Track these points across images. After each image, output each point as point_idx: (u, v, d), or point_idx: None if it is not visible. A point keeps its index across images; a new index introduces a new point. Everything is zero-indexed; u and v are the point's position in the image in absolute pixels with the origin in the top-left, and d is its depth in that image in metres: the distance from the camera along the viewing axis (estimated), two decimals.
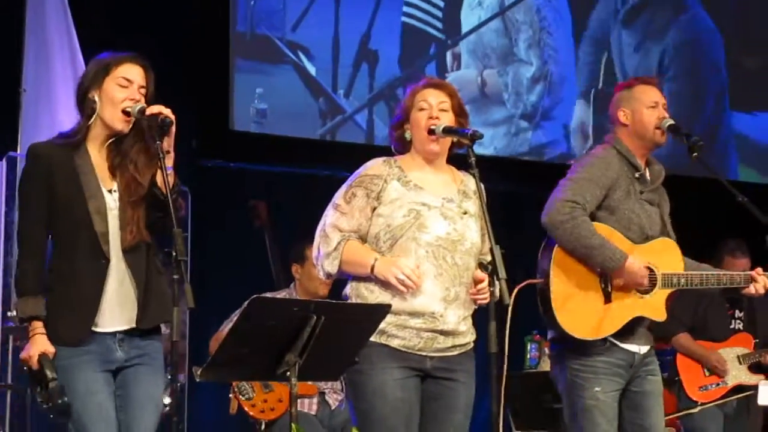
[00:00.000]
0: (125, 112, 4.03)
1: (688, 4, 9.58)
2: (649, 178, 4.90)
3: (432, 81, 4.58)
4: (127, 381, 4.06)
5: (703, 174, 5.19)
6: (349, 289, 4.38)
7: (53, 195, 4.00)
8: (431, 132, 4.37)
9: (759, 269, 4.93)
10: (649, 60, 9.28)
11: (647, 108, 4.90)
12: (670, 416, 6.44)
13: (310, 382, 6.32)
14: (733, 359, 6.83)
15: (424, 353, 4.28)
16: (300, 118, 8.12)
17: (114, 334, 4.03)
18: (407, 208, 4.32)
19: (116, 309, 4.02)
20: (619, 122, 4.93)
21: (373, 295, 4.30)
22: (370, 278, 4.29)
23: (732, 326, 6.97)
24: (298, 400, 6.33)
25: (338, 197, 4.40)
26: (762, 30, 9.80)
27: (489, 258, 4.17)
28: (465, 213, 4.38)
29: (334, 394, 6.52)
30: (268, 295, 6.10)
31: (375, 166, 4.41)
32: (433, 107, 4.40)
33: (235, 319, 3.99)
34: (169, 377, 4.35)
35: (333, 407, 6.52)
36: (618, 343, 4.73)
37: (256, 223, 7.13)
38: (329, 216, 4.38)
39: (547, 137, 8.86)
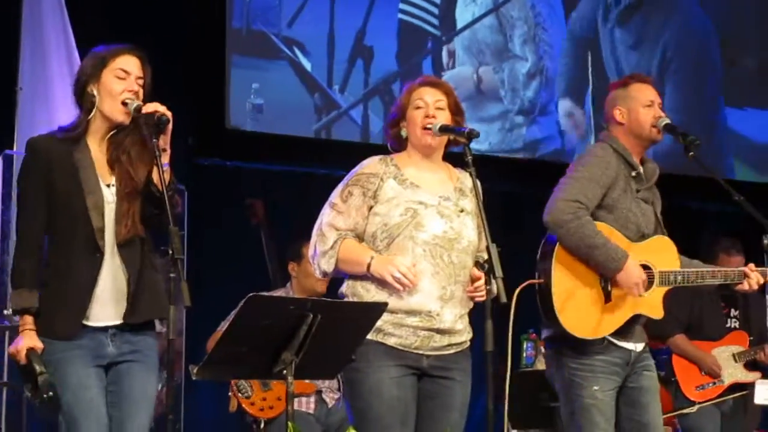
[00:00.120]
0: (125, 104, 4.03)
1: (685, 3, 9.59)
2: (644, 176, 4.90)
3: (428, 79, 4.58)
4: (120, 377, 4.05)
5: (700, 173, 5.18)
6: (345, 288, 4.38)
7: (52, 190, 4.00)
8: (427, 129, 4.38)
9: (752, 265, 4.94)
10: (647, 58, 9.29)
11: (643, 107, 4.90)
12: (667, 415, 6.44)
13: (307, 381, 6.32)
14: (728, 357, 6.83)
15: (420, 352, 4.29)
16: (295, 113, 8.16)
17: (106, 329, 4.03)
18: (404, 206, 4.32)
19: (108, 303, 4.02)
20: (615, 121, 4.93)
21: (369, 293, 4.30)
22: (367, 277, 4.29)
23: (728, 325, 6.97)
24: (296, 399, 6.37)
25: (335, 196, 4.40)
26: (757, 29, 9.81)
27: (485, 256, 4.17)
28: (462, 211, 4.38)
29: (331, 392, 6.52)
30: (265, 293, 6.10)
31: (371, 164, 4.41)
32: (429, 106, 4.41)
33: (233, 317, 3.99)
34: (165, 376, 4.35)
35: (330, 406, 6.52)
36: (615, 341, 4.74)
37: (253, 222, 7.13)
38: (326, 215, 4.38)
39: (541, 133, 8.89)
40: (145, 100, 4.04)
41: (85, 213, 3.99)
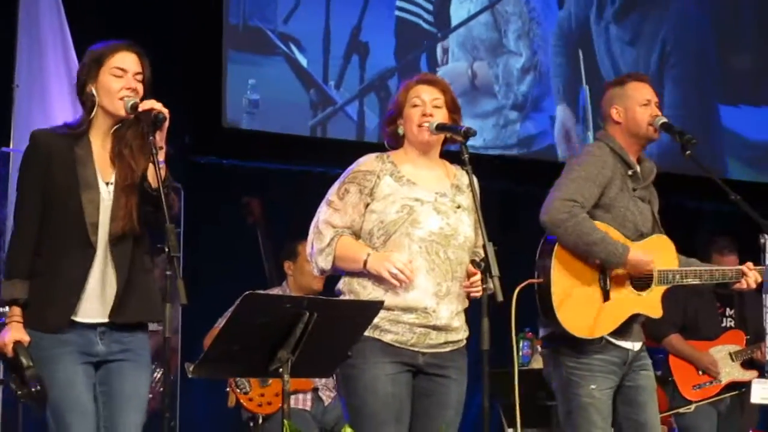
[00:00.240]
0: (123, 101, 4.03)
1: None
2: (640, 175, 4.90)
3: (425, 77, 4.58)
4: (111, 376, 4.05)
5: (696, 172, 5.18)
6: (341, 285, 4.38)
7: (49, 183, 4.01)
8: (423, 127, 4.38)
9: (749, 264, 4.95)
10: (645, 53, 9.31)
11: (640, 106, 4.90)
12: (663, 414, 6.45)
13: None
14: (725, 356, 6.84)
15: (416, 349, 4.28)
16: (291, 108, 8.20)
17: (95, 326, 4.02)
18: (400, 203, 4.32)
19: (97, 300, 4.01)
20: (612, 120, 4.93)
21: (365, 290, 4.30)
22: (363, 274, 4.29)
23: (723, 324, 6.98)
24: (293, 396, 6.38)
25: (331, 193, 4.40)
26: (752, 26, 9.82)
27: (482, 254, 4.17)
28: (458, 207, 4.38)
29: (328, 390, 6.52)
30: (261, 292, 6.10)
31: (368, 161, 4.41)
32: (426, 104, 4.40)
33: (229, 315, 3.98)
34: (161, 373, 4.35)
35: (326, 404, 6.53)
36: (613, 340, 4.74)
37: (250, 220, 7.12)
38: (322, 212, 4.38)
39: (536, 128, 8.93)
40: (146, 95, 4.05)
41: (80, 208, 3.98)
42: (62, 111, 6.55)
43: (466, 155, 4.24)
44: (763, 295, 4.86)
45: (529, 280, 4.72)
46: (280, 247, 6.80)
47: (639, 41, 9.34)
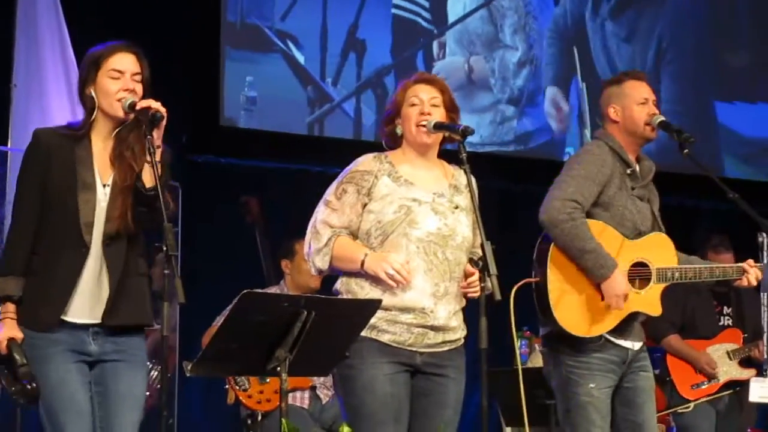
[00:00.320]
0: (120, 102, 4.03)
1: None
2: (639, 174, 4.90)
3: (423, 76, 4.58)
4: (106, 377, 4.04)
5: (693, 170, 5.18)
6: (339, 285, 4.38)
7: (48, 181, 4.01)
8: (421, 126, 4.37)
9: (750, 261, 4.94)
10: (641, 50, 9.33)
11: (637, 104, 4.90)
12: (661, 413, 6.45)
13: None
14: (723, 355, 6.84)
15: (414, 348, 4.28)
16: (289, 105, 8.24)
17: (87, 327, 4.02)
18: (398, 203, 4.31)
19: (88, 301, 4.00)
20: (610, 119, 4.93)
21: (363, 290, 4.29)
22: (361, 274, 4.29)
23: (721, 323, 6.98)
24: (291, 393, 6.38)
25: (329, 193, 4.40)
26: (747, 22, 9.83)
27: (480, 253, 4.17)
28: (456, 207, 4.38)
29: (325, 389, 6.52)
30: (259, 290, 6.10)
31: (365, 161, 4.41)
32: (424, 103, 4.40)
33: (227, 314, 3.98)
34: (158, 371, 4.34)
35: (324, 402, 6.53)
36: (613, 339, 4.74)
37: (248, 219, 7.12)
38: (320, 212, 4.38)
39: (532, 125, 8.95)
40: (146, 94, 4.05)
41: (76, 207, 3.99)
42: (60, 110, 6.55)
43: (464, 154, 4.24)
44: (762, 294, 4.86)
45: (526, 280, 4.72)
46: (278, 246, 6.80)
47: (635, 38, 9.36)
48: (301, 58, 8.26)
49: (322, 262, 4.33)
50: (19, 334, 3.97)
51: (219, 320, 6.14)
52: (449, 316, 4.31)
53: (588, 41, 9.23)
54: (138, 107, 3.97)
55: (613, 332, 4.73)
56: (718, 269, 4.95)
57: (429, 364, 4.31)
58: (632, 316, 4.77)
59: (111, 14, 7.18)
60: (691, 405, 6.78)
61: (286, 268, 6.69)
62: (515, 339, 4.66)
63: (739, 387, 6.81)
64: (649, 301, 4.79)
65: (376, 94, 8.38)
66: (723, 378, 6.82)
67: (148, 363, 6.67)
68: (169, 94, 4.16)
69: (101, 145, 4.08)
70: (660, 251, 4.83)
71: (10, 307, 3.98)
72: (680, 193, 8.20)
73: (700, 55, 9.58)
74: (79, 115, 4.19)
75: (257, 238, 7.03)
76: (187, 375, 4.04)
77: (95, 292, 4.01)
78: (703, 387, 6.81)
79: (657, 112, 4.90)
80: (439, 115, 4.40)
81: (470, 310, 4.35)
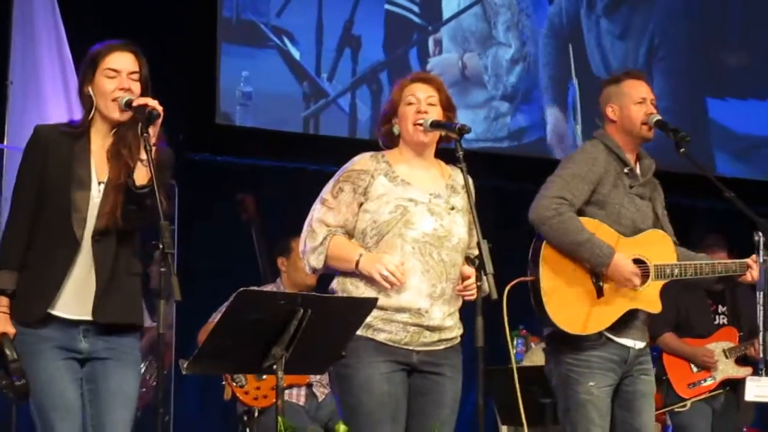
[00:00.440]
0: (116, 101, 4.04)
1: None
2: (639, 172, 4.90)
3: (420, 75, 4.58)
4: (96, 375, 4.04)
5: (689, 170, 5.18)
6: (335, 284, 4.38)
7: (44, 176, 4.02)
8: (418, 125, 4.37)
9: (754, 256, 4.91)
10: (634, 47, 9.35)
11: (635, 104, 4.90)
12: (657, 412, 6.45)
13: None
14: (719, 354, 6.85)
15: (410, 347, 4.28)
16: (284, 101, 8.29)
17: (77, 324, 4.02)
18: (394, 203, 4.31)
19: (77, 296, 4.00)
20: (608, 118, 4.93)
21: (358, 290, 4.29)
22: (356, 274, 4.29)
23: (716, 322, 6.98)
24: (288, 390, 6.38)
25: (325, 192, 4.39)
26: (739, 20, 9.84)
27: (476, 252, 4.17)
28: (452, 208, 4.38)
29: (321, 387, 6.52)
30: (255, 288, 6.10)
31: (362, 161, 4.40)
32: (421, 101, 4.40)
33: (223, 311, 3.98)
34: (147, 365, 4.33)
35: (320, 399, 6.53)
36: (613, 337, 4.73)
37: (244, 217, 7.13)
38: (316, 210, 4.38)
39: (526, 121, 8.98)
40: (144, 93, 4.05)
41: (69, 203, 3.99)
42: (56, 108, 6.55)
43: (461, 152, 4.24)
44: (758, 292, 4.85)
45: (520, 279, 4.72)
46: (274, 244, 6.79)
47: (628, 35, 9.38)
48: (296, 53, 8.31)
49: (316, 261, 4.33)
50: (11, 330, 3.98)
51: (215, 317, 6.14)
52: (444, 316, 4.31)
53: (583, 39, 9.24)
54: (135, 104, 3.97)
55: (613, 330, 4.72)
56: (720, 265, 4.92)
57: (425, 363, 4.31)
58: (632, 314, 4.76)
59: (107, 11, 7.19)
60: (688, 404, 6.78)
61: (283, 265, 6.69)
62: (508, 337, 4.66)
63: (729, 386, 6.82)
64: (647, 298, 4.77)
65: (371, 90, 8.44)
66: (720, 376, 6.83)
67: (147, 360, 6.72)
68: (166, 91, 4.16)
69: (100, 143, 4.09)
70: (658, 248, 4.82)
71: (3, 301, 4.00)
72: (677, 192, 8.16)
73: (692, 51, 9.61)
74: (76, 112, 4.20)
75: (253, 235, 7.03)
76: (183, 373, 4.03)
77: (84, 288, 4.01)
78: (700, 386, 6.82)
79: (654, 111, 4.90)
80: (435, 113, 4.40)
81: (466, 308, 4.35)
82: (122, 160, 4.03)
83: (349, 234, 4.35)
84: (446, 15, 8.85)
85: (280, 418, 3.86)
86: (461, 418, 4.46)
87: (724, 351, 6.86)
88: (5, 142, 6.60)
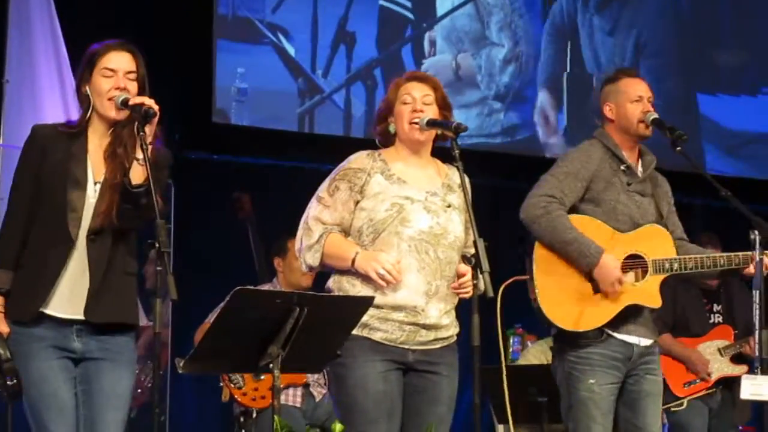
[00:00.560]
0: (112, 100, 4.04)
1: None
2: (641, 169, 4.89)
3: (415, 74, 4.58)
4: (89, 376, 4.04)
5: (683, 168, 5.18)
6: (331, 282, 4.38)
7: (41, 176, 4.03)
8: (414, 124, 4.37)
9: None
10: (622, 43, 9.36)
11: (631, 102, 4.90)
12: None
13: None
14: (714, 352, 6.84)
15: (406, 346, 4.28)
16: (280, 97, 8.31)
17: (71, 323, 4.01)
18: (390, 201, 4.31)
19: (70, 295, 3.99)
20: (606, 117, 4.94)
21: (355, 288, 4.29)
22: (352, 272, 4.29)
23: (711, 320, 6.98)
24: (285, 390, 6.38)
25: (322, 190, 4.40)
26: (730, 16, 9.85)
27: (473, 251, 4.17)
28: (449, 206, 4.38)
29: (318, 387, 6.52)
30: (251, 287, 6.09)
31: (359, 159, 4.41)
32: (416, 100, 4.40)
33: (219, 310, 3.98)
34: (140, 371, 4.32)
35: (317, 399, 6.53)
36: (614, 334, 4.72)
37: (240, 216, 7.12)
38: (312, 208, 4.38)
39: (519, 118, 9.01)
40: (142, 92, 4.05)
41: (65, 202, 3.99)
42: (52, 107, 6.54)
43: (457, 151, 4.23)
44: (754, 291, 4.83)
45: (515, 277, 4.73)
46: (271, 243, 6.79)
47: (617, 30, 9.39)
48: (291, 50, 8.34)
49: (312, 259, 4.33)
50: (5, 329, 3.98)
51: (212, 317, 6.14)
52: (440, 314, 4.31)
53: (578, 36, 9.27)
54: (131, 103, 3.97)
55: (615, 327, 4.71)
56: (722, 258, 4.84)
57: (421, 362, 4.31)
58: (634, 310, 4.74)
59: (103, 9, 7.18)
60: (684, 402, 6.78)
61: (278, 265, 6.69)
62: (499, 336, 4.66)
63: (723, 384, 6.81)
64: (646, 293, 4.75)
65: (366, 86, 8.48)
66: (715, 375, 6.83)
67: (144, 362, 6.71)
68: (162, 90, 4.16)
69: (97, 143, 4.09)
70: (656, 243, 4.80)
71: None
72: (673, 191, 8.21)
73: (682, 48, 9.61)
74: (72, 111, 4.20)
75: (250, 235, 7.03)
76: (180, 372, 4.03)
77: (78, 287, 4.01)
78: (696, 385, 6.82)
79: (651, 109, 4.90)
80: (431, 112, 4.40)
81: (463, 307, 4.35)
82: (118, 159, 4.03)
83: (346, 232, 4.35)
84: (440, 13, 8.87)
85: (276, 418, 3.86)
86: (457, 416, 4.46)
87: (719, 349, 6.86)
88: (1, 141, 6.59)
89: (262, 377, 6.37)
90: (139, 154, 3.90)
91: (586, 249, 4.65)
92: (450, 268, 4.31)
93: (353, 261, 4.26)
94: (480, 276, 4.05)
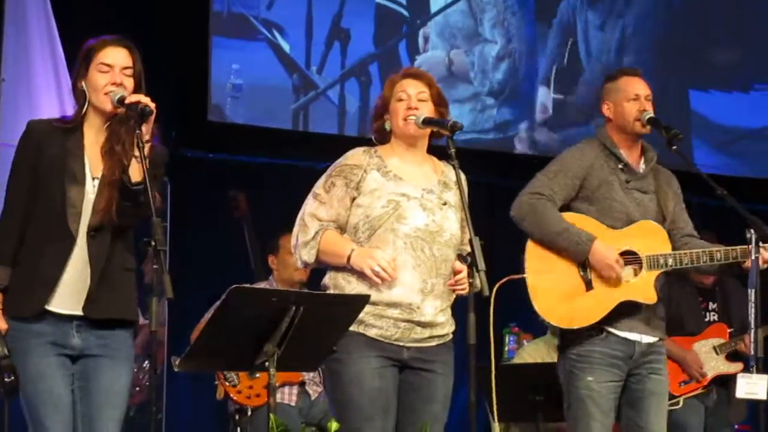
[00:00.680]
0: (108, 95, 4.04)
1: None
2: (643, 166, 4.89)
3: (410, 71, 4.58)
4: (88, 372, 4.04)
5: (679, 166, 5.18)
6: (327, 279, 4.38)
7: (37, 171, 4.02)
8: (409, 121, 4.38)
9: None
10: (608, 37, 9.38)
11: (628, 101, 4.90)
12: None
13: None
14: (710, 350, 6.84)
15: (401, 343, 4.28)
16: (274, 93, 8.33)
17: (70, 319, 4.01)
18: (386, 198, 4.31)
19: (71, 292, 3.99)
20: (605, 116, 4.95)
21: (350, 285, 4.30)
22: (348, 269, 4.29)
23: (707, 318, 6.97)
24: (280, 388, 6.38)
25: (318, 186, 4.40)
26: (723, 12, 9.85)
27: (468, 249, 4.17)
28: (445, 204, 4.38)
29: (314, 385, 6.53)
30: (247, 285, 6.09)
31: (355, 155, 4.41)
32: (411, 97, 4.40)
33: (215, 308, 3.98)
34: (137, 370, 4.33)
35: (313, 398, 6.53)
36: (614, 331, 4.72)
37: (236, 214, 7.12)
38: (308, 205, 4.38)
39: (512, 114, 9.02)
40: (138, 89, 4.05)
41: (63, 198, 3.99)
42: (49, 105, 6.54)
43: (453, 149, 4.24)
44: (749, 290, 4.82)
45: (510, 276, 4.73)
46: (266, 241, 6.79)
47: (606, 25, 9.40)
48: (286, 46, 8.38)
49: (308, 256, 4.33)
50: (3, 326, 3.98)
51: (208, 316, 6.14)
52: (436, 312, 4.31)
53: (576, 32, 9.29)
54: (127, 101, 3.97)
55: (614, 324, 4.71)
56: (720, 252, 4.78)
57: (416, 359, 4.31)
58: (634, 307, 4.73)
59: (99, 7, 7.18)
60: (680, 401, 6.78)
61: (272, 263, 6.70)
62: (491, 334, 4.66)
63: (719, 382, 6.82)
64: (641, 288, 4.74)
65: (360, 82, 8.51)
66: (711, 373, 6.83)
67: (141, 361, 6.71)
68: (157, 87, 4.16)
69: (93, 138, 4.09)
70: (649, 239, 4.79)
71: None
72: None
73: (674, 43, 9.61)
74: (68, 109, 4.20)
75: (245, 233, 7.03)
76: (176, 370, 4.03)
77: (79, 284, 4.00)
78: (692, 383, 6.82)
79: (648, 108, 4.90)
80: (427, 109, 4.40)
81: (458, 305, 4.35)
82: (116, 156, 4.03)
83: (341, 229, 4.36)
84: (434, 9, 8.90)
85: (272, 416, 3.86)
86: (453, 415, 4.46)
87: (714, 347, 6.86)
88: None
89: (257, 375, 6.37)
90: (137, 152, 3.90)
91: (577, 237, 4.66)
92: (446, 265, 4.31)
93: (349, 258, 4.26)
94: (476, 274, 4.06)
